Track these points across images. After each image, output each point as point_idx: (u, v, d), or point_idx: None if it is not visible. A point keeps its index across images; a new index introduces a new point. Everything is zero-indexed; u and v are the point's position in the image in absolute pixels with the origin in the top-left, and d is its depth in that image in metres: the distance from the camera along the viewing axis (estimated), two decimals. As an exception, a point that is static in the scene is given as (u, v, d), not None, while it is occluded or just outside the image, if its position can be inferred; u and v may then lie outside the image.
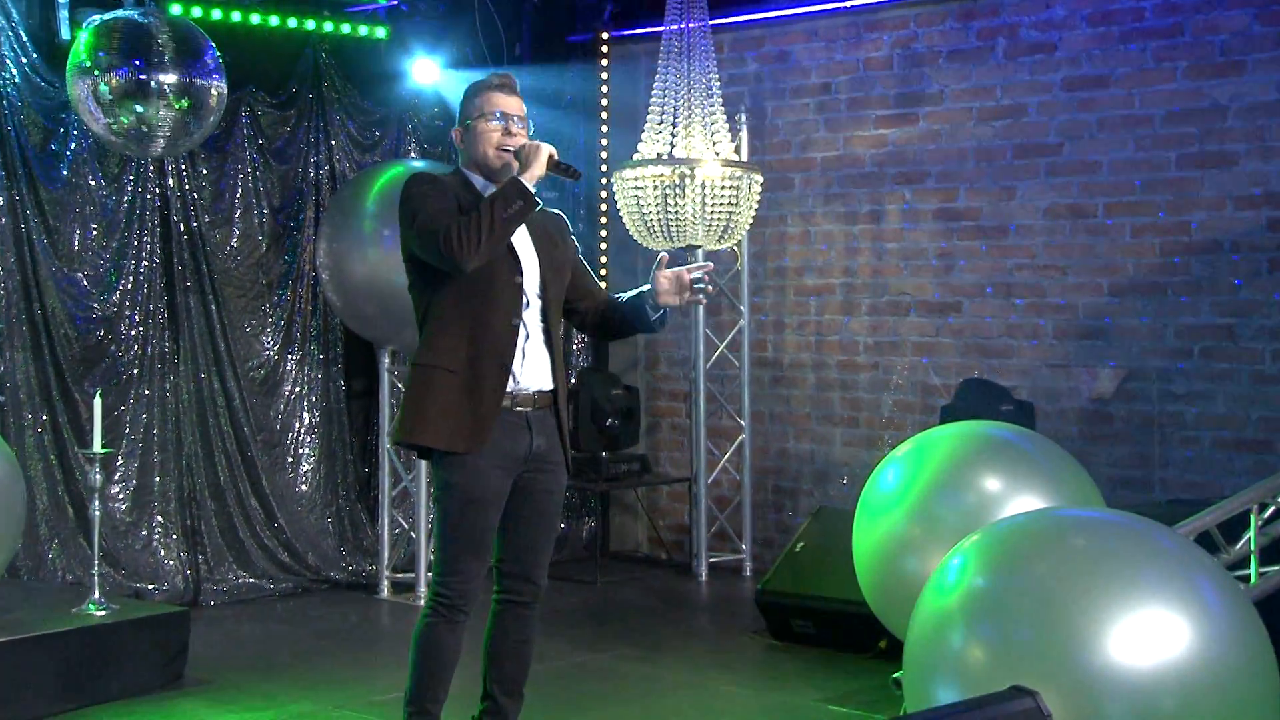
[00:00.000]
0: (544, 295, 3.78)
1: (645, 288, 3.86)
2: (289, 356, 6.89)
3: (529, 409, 3.74)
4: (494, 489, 3.72)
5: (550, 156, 3.69)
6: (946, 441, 4.43)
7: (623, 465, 7.36)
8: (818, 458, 7.35)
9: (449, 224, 3.58)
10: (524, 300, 3.72)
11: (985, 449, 4.35)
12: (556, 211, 3.97)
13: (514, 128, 3.75)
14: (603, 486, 7.28)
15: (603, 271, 7.94)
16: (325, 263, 6.52)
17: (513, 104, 3.77)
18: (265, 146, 6.79)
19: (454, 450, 3.66)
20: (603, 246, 7.87)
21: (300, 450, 6.91)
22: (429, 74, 7.09)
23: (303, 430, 6.92)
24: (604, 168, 7.85)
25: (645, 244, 6.73)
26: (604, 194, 7.84)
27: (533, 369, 3.75)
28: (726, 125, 6.68)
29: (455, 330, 3.68)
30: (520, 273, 3.72)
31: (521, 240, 3.79)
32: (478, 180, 3.79)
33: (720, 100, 6.70)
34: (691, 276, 3.79)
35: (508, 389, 3.70)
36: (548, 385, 3.78)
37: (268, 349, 6.83)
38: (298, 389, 6.91)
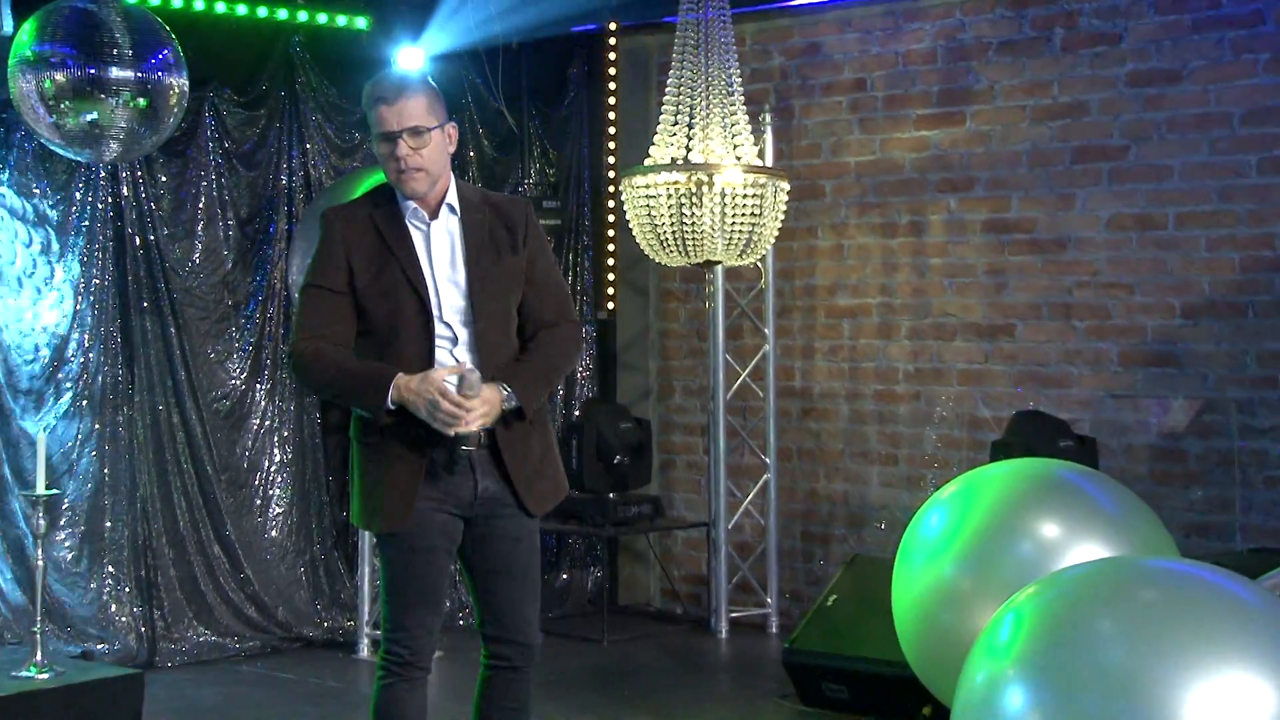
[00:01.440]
0: (475, 319, 3.73)
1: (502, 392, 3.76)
2: (257, 386, 6.88)
3: (471, 449, 3.68)
4: (442, 531, 3.71)
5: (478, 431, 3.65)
6: (998, 482, 4.43)
7: (632, 508, 7.34)
8: (852, 500, 7.32)
9: (303, 334, 3.66)
10: (440, 336, 3.70)
11: (1042, 490, 4.34)
12: (513, 199, 3.93)
13: (401, 149, 3.69)
14: (610, 532, 7.25)
15: (609, 291, 7.93)
16: (298, 281, 6.50)
17: (396, 116, 3.70)
18: (232, 150, 6.81)
19: (380, 533, 3.71)
20: (610, 263, 7.87)
21: (270, 491, 6.90)
22: (416, 64, 7.10)
23: (273, 469, 6.91)
24: (611, 174, 7.84)
25: (659, 260, 6.72)
26: (612, 203, 7.84)
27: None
28: (749, 126, 6.67)
29: None
30: (427, 308, 3.70)
31: (440, 254, 3.75)
32: (404, 202, 3.77)
33: (742, 99, 6.69)
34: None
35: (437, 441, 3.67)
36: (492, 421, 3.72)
37: (234, 377, 6.82)
38: (267, 422, 6.90)
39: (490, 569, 3.78)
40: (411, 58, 7.08)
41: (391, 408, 3.59)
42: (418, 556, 3.68)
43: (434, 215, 3.78)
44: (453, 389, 3.58)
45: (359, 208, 3.80)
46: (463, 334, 3.73)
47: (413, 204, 3.75)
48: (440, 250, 3.76)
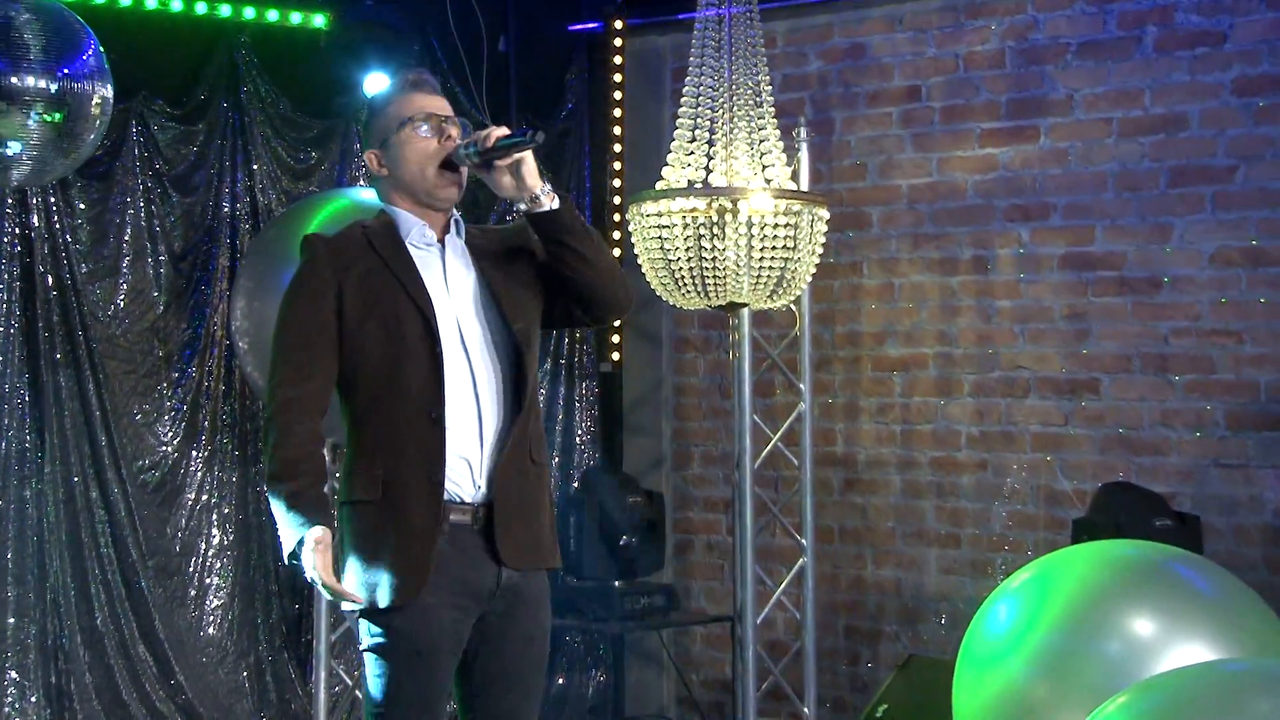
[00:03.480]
0: (509, 347, 3.82)
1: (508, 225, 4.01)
2: (193, 454, 6.87)
3: (489, 518, 3.75)
4: (449, 633, 3.72)
5: (498, 138, 3.79)
6: (1080, 568, 4.42)
7: (642, 599, 7.30)
8: (905, 589, 7.28)
9: (282, 389, 3.73)
10: (455, 372, 3.75)
11: (1133, 579, 4.34)
12: (508, 225, 4.06)
13: (453, 131, 3.86)
14: (615, 628, 7.22)
15: (614, 340, 7.92)
16: (244, 327, 6.49)
17: (440, 104, 3.90)
18: (164, 172, 6.81)
19: (382, 606, 3.70)
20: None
21: (207, 580, 6.87)
22: (379, 84, 7.13)
23: (211, 553, 6.89)
24: (617, 200, 7.84)
25: (673, 302, 6.70)
26: (617, 235, 7.83)
27: (491, 463, 3.77)
28: (780, 143, 6.67)
29: (370, 442, 3.76)
30: (437, 337, 3.75)
31: (457, 277, 3.84)
32: (407, 220, 3.86)
33: (772, 110, 6.69)
34: (494, 141, 3.80)
35: (458, 498, 3.72)
36: (511, 470, 3.78)
37: (164, 444, 6.80)
38: (205, 497, 6.88)
39: (493, 675, 3.79)
40: (379, 82, 7.10)
41: (288, 554, 3.69)
42: (419, 663, 3.68)
43: (441, 236, 3.89)
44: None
45: (349, 232, 3.88)
46: (487, 366, 3.79)
47: (419, 223, 3.85)
48: (456, 270, 3.86)
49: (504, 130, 3.80)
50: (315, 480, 3.69)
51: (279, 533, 3.70)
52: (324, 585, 3.62)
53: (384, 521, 3.70)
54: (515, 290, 3.88)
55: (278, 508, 3.68)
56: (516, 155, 3.77)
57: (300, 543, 3.62)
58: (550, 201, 3.80)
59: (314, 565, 3.60)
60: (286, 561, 3.69)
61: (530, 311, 3.89)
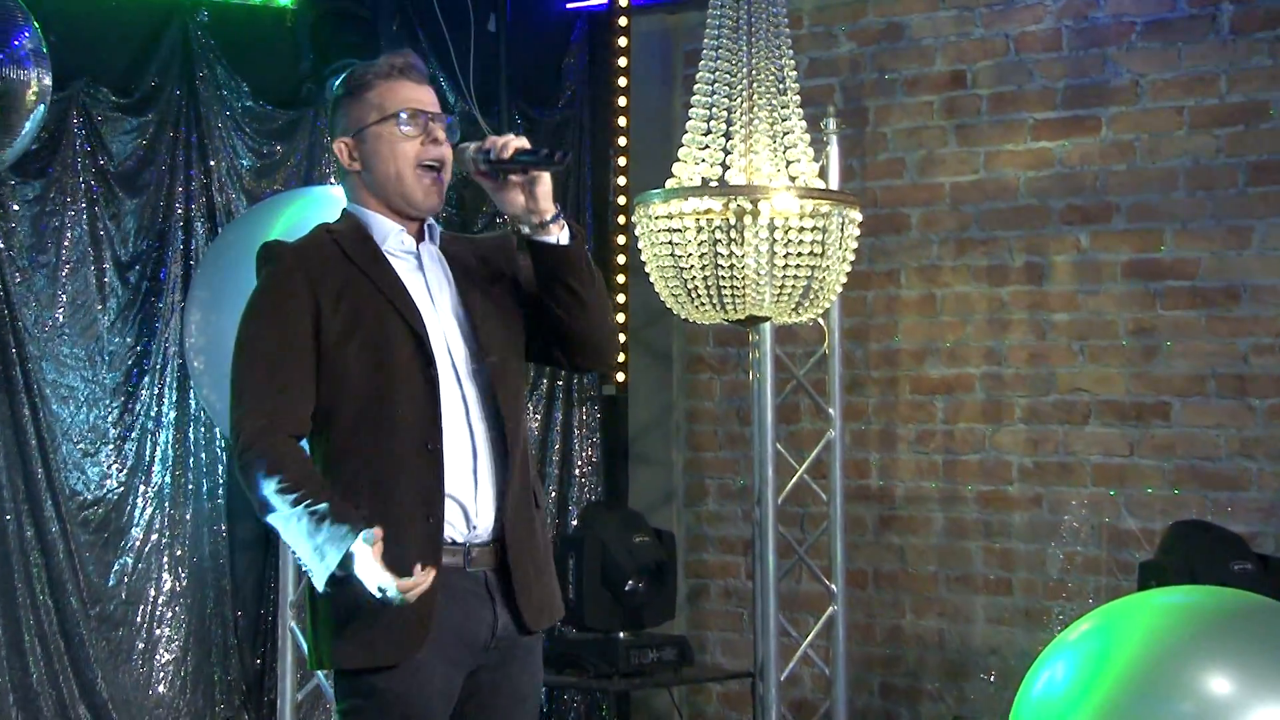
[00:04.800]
0: (493, 373, 3.80)
1: (502, 234, 3.99)
2: (140, 487, 6.86)
3: (488, 566, 3.73)
4: (442, 693, 3.71)
5: (517, 150, 3.77)
6: (1148, 618, 4.42)
7: (650, 652, 7.29)
8: (949, 642, 7.28)
9: (253, 414, 3.65)
10: (449, 399, 3.74)
11: (1209, 629, 4.33)
12: (488, 234, 4.01)
13: (439, 133, 3.82)
14: (620, 685, 7.21)
15: (620, 358, 7.90)
16: (199, 345, 6.49)
17: (429, 98, 3.85)
18: (109, 168, 6.81)
19: (377, 667, 3.67)
20: (620, 320, 7.85)
21: (157, 631, 6.86)
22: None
23: (161, 600, 6.88)
24: (622, 200, 7.83)
25: (685, 315, 6.68)
26: (622, 239, 7.83)
27: (488, 499, 3.75)
28: (807, 136, 6.65)
29: (352, 478, 3.71)
30: (431, 359, 3.73)
31: (438, 285, 3.83)
32: (381, 224, 3.82)
33: (798, 98, 6.68)
34: (512, 153, 3.78)
35: (449, 539, 3.70)
36: (510, 518, 3.77)
37: (109, 476, 6.80)
38: (154, 537, 6.87)
39: None
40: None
41: (340, 574, 3.56)
42: None
43: (418, 243, 3.87)
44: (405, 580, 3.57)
45: (315, 238, 3.84)
46: (475, 391, 3.78)
47: (396, 228, 3.82)
48: (438, 281, 3.84)
49: (524, 142, 3.78)
50: (319, 484, 3.64)
51: (306, 560, 3.60)
52: (397, 590, 3.50)
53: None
54: (492, 318, 3.85)
55: (302, 530, 3.57)
56: (534, 172, 3.76)
57: (350, 557, 3.51)
58: (560, 232, 3.78)
59: (378, 572, 3.50)
60: (323, 589, 3.60)
61: (508, 345, 3.87)
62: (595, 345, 3.90)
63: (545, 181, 3.76)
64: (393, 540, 3.60)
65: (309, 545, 3.58)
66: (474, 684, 3.76)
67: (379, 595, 3.51)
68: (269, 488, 3.60)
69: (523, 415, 3.89)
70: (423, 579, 3.50)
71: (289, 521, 3.59)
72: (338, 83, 3.91)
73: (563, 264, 3.79)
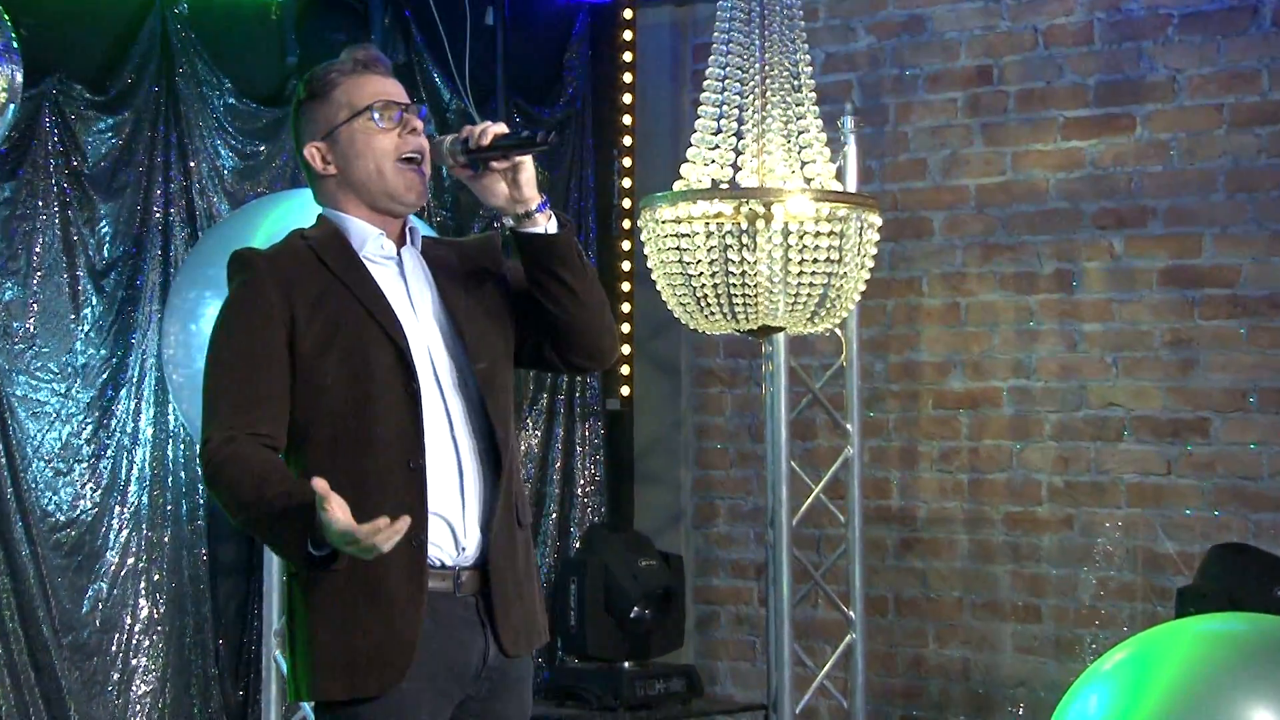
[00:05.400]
0: (482, 380, 3.78)
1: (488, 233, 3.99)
2: (115, 509, 6.84)
3: (478, 589, 3.72)
4: None
5: (497, 136, 3.75)
6: (1187, 647, 4.42)
7: (657, 684, 7.29)
8: (975, 673, 7.27)
9: (220, 428, 3.61)
10: (432, 414, 3.72)
11: (1251, 659, 4.33)
12: (475, 236, 4.03)
13: (415, 123, 3.82)
14: (624, 718, 7.19)
15: (624, 371, 7.89)
16: (177, 356, 6.50)
17: (398, 89, 3.85)
18: (83, 170, 6.80)
19: (360, 698, 3.65)
20: (624, 330, 7.84)
21: (133, 661, 6.85)
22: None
23: (138, 628, 6.87)
24: (626, 203, 7.82)
25: (694, 325, 6.68)
26: (626, 245, 7.82)
27: (475, 519, 3.73)
28: (823, 135, 6.65)
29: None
30: (413, 371, 3.72)
31: (419, 292, 3.81)
32: (360, 229, 3.81)
33: (813, 95, 6.68)
34: (491, 139, 3.77)
35: (437, 562, 3.69)
36: (495, 538, 3.75)
37: (82, 497, 6.79)
38: (130, 561, 6.86)
39: None
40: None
41: (317, 554, 3.50)
42: None
43: (399, 246, 3.85)
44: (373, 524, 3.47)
45: (289, 245, 3.82)
46: (460, 405, 3.76)
47: (375, 232, 3.80)
48: (420, 288, 3.82)
49: (502, 127, 3.76)
50: (277, 467, 3.62)
51: (284, 553, 3.57)
52: (367, 538, 3.38)
53: (353, 594, 3.64)
54: (479, 322, 3.83)
55: (267, 520, 3.54)
56: (517, 158, 3.74)
57: (320, 527, 3.42)
58: (547, 222, 3.77)
59: (340, 522, 3.39)
60: (311, 569, 3.54)
61: (497, 349, 3.85)
62: (592, 342, 3.88)
63: (528, 168, 3.74)
64: (374, 564, 3.57)
65: (280, 536, 3.56)
66: (462, 715, 3.75)
67: (357, 550, 3.42)
68: (234, 490, 3.58)
69: (513, 424, 3.87)
70: (399, 525, 3.39)
71: (258, 520, 3.57)
72: (299, 87, 3.89)
73: (552, 255, 3.78)
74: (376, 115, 3.78)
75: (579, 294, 3.80)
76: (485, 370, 3.78)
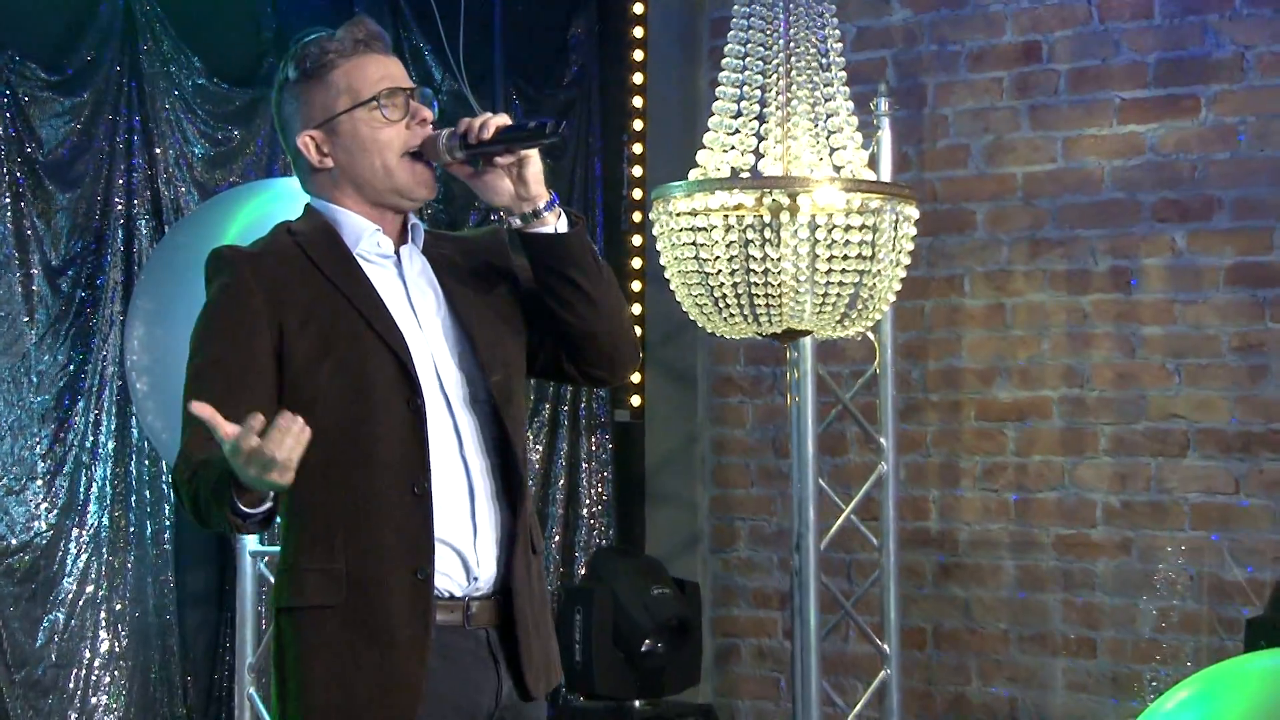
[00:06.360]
0: (486, 403, 3.77)
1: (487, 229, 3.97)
2: (73, 531, 6.84)
3: (490, 622, 3.72)
4: None
5: (499, 128, 3.73)
6: (1256, 685, 4.42)
7: (672, 724, 7.30)
8: (1022, 712, 7.28)
9: (193, 446, 3.56)
10: (439, 432, 3.71)
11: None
12: (476, 230, 4.06)
13: (425, 113, 3.80)
14: (636, 763, 7.20)
15: (634, 379, 7.89)
16: (142, 363, 6.49)
17: (400, 72, 3.82)
18: (37, 158, 6.80)
19: None
20: (637, 333, 7.83)
21: (93, 699, 6.85)
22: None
23: (98, 663, 6.87)
24: (637, 194, 7.82)
25: (712, 329, 6.68)
26: (637, 240, 7.82)
27: (488, 545, 3.73)
28: (853, 119, 6.65)
29: (324, 526, 3.67)
30: (417, 386, 3.70)
31: (421, 297, 3.80)
32: (354, 223, 3.79)
33: (843, 75, 6.68)
34: (493, 132, 3.74)
35: (445, 593, 3.68)
36: (515, 567, 3.75)
37: (36, 518, 6.79)
38: (89, 589, 6.86)
39: None
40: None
41: (243, 516, 3.46)
42: None
43: (397, 245, 3.83)
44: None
45: (275, 242, 3.80)
46: (471, 421, 3.75)
47: (372, 227, 3.78)
48: (421, 290, 3.80)
49: (505, 119, 3.73)
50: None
51: (226, 503, 3.47)
52: (244, 441, 3.32)
53: (353, 633, 3.64)
54: (491, 328, 3.82)
55: (212, 500, 3.49)
56: (523, 152, 3.72)
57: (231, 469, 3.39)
58: (556, 220, 3.76)
59: (224, 430, 3.35)
60: (248, 519, 3.47)
61: (511, 357, 3.85)
62: (611, 350, 3.87)
63: (535, 162, 3.73)
64: (376, 598, 3.60)
65: (223, 508, 3.48)
66: None
67: (258, 467, 3.34)
68: (192, 496, 3.56)
69: (525, 442, 3.88)
70: (284, 423, 3.32)
71: (207, 508, 3.53)
72: (287, 64, 3.84)
73: (563, 256, 3.77)
74: (383, 104, 3.76)
75: (593, 297, 3.79)
76: (500, 382, 3.78)
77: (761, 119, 6.54)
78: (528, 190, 3.73)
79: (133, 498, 6.96)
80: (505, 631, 3.74)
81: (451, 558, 3.68)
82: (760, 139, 6.51)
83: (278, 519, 3.69)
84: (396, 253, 3.80)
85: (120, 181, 6.98)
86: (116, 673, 6.92)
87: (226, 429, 3.29)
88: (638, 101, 7.91)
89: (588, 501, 7.98)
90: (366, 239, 3.77)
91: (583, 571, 7.71)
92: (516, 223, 3.77)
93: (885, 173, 7.03)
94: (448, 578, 3.68)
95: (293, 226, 3.81)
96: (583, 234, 3.79)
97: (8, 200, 6.74)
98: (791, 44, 6.56)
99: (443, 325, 3.79)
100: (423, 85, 3.98)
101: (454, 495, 3.70)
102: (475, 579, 3.71)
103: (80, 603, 6.86)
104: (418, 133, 3.77)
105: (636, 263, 7.87)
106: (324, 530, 3.67)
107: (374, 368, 3.67)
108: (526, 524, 3.78)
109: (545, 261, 3.78)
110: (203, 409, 3.32)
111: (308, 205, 3.86)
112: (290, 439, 3.29)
